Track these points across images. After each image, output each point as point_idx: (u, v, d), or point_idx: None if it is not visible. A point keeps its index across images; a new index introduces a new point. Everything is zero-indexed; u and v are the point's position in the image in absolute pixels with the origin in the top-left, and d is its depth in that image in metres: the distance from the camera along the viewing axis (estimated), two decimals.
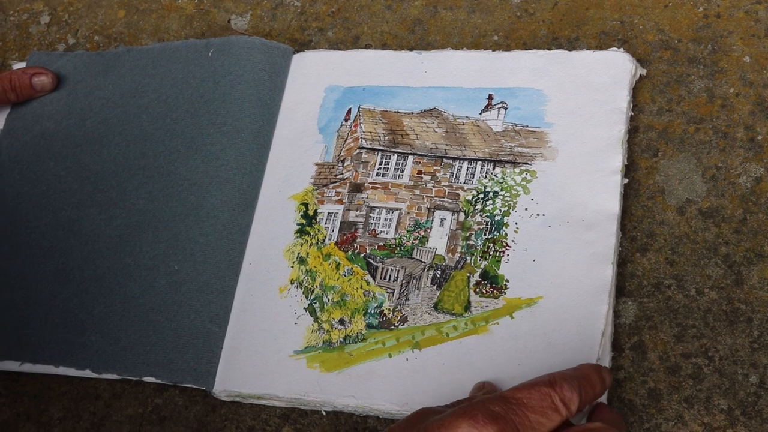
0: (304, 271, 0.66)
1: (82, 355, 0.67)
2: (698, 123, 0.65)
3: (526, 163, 0.65)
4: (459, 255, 0.64)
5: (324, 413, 0.62)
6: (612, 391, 0.58)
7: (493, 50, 0.70)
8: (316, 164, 0.70)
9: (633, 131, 0.65)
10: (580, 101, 0.66)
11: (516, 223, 0.63)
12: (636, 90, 0.66)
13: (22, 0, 0.88)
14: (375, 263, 0.65)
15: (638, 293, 0.61)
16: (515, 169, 0.65)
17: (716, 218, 0.62)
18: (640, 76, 0.67)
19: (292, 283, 0.66)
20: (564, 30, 0.71)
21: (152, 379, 0.65)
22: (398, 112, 0.70)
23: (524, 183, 0.65)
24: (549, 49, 0.69)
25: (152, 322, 0.67)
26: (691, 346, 0.58)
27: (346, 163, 0.69)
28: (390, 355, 0.62)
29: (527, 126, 0.66)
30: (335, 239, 0.67)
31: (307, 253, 0.67)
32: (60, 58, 0.80)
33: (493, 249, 0.63)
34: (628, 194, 0.63)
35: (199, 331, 0.66)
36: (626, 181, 0.63)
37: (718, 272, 0.60)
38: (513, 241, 0.63)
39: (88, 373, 0.67)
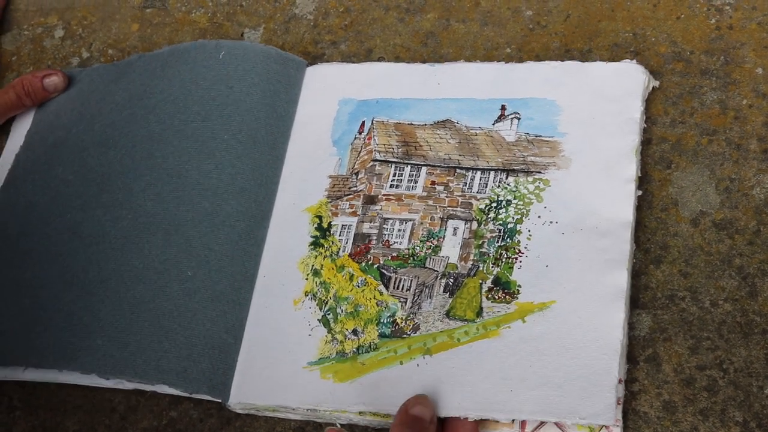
0: (318, 283, 0.66)
1: (87, 359, 0.66)
2: (711, 135, 0.65)
3: (539, 172, 0.65)
4: (471, 263, 0.64)
5: (338, 426, 0.63)
6: (627, 404, 0.58)
7: (506, 62, 0.70)
8: (330, 177, 0.70)
9: (646, 143, 0.66)
10: (593, 111, 0.66)
11: (529, 231, 0.63)
12: (649, 102, 0.67)
13: (36, 14, 0.88)
14: (388, 274, 0.66)
15: (652, 305, 0.61)
16: (528, 178, 0.65)
17: (730, 230, 0.62)
18: (653, 88, 0.67)
19: (306, 295, 0.66)
20: (576, 42, 0.71)
21: (166, 389, 0.65)
22: (412, 124, 0.70)
23: (537, 191, 0.65)
24: (562, 61, 0.69)
25: (164, 328, 0.66)
26: (706, 359, 0.58)
27: (360, 176, 0.70)
28: (401, 362, 0.62)
29: (540, 136, 0.67)
30: (349, 251, 0.67)
31: (321, 265, 0.67)
32: (78, 74, 0.80)
33: (505, 256, 0.63)
34: (641, 206, 0.63)
35: (215, 341, 0.65)
36: (640, 192, 0.64)
37: (732, 284, 0.60)
38: (526, 247, 0.63)
39: (94, 378, 0.66)
